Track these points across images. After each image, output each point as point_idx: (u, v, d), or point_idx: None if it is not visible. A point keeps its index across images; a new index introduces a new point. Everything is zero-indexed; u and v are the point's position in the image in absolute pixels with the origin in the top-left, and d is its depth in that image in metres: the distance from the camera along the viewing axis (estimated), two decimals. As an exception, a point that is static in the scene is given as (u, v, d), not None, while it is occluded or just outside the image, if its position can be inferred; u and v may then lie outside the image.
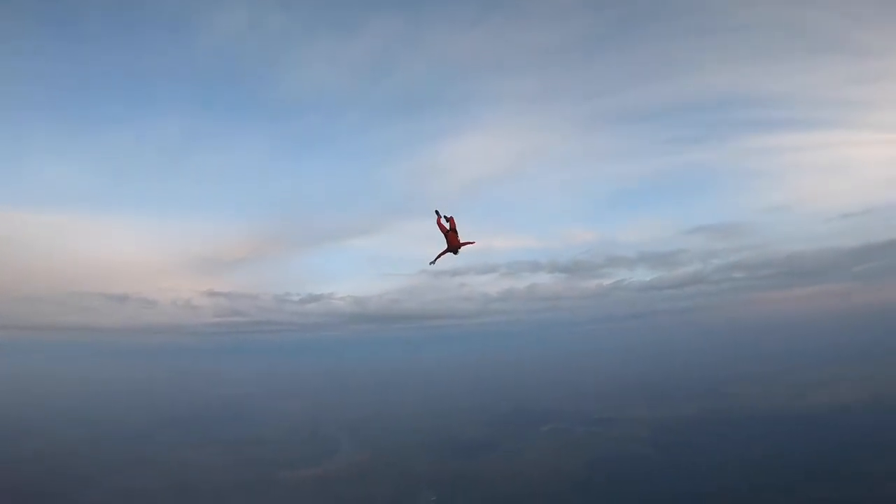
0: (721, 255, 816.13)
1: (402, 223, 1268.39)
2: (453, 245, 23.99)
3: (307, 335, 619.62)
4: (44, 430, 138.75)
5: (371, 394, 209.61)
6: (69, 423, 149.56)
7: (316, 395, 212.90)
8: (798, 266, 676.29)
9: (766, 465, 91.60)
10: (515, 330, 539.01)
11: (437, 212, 24.25)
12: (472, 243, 24.36)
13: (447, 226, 24.09)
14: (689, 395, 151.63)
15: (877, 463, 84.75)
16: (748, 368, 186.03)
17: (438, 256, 24.08)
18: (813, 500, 77.23)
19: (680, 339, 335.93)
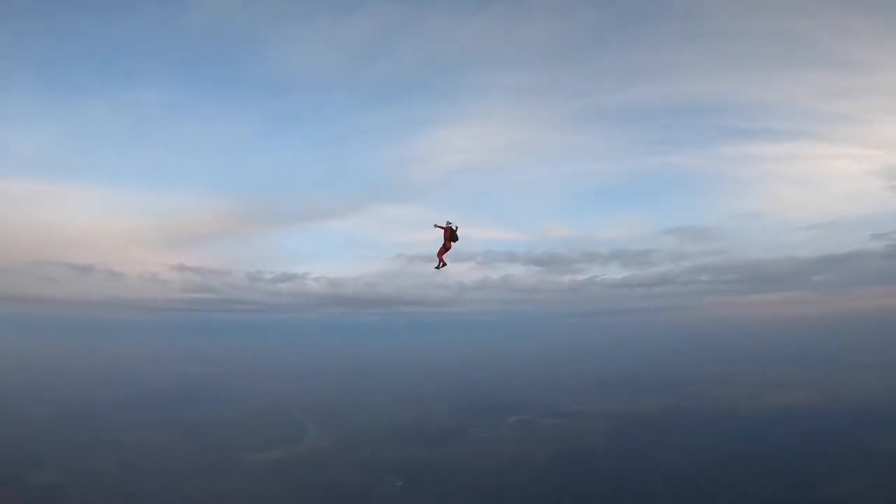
0: (690, 257, 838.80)
1: (382, 207, 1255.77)
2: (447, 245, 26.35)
3: (280, 316, 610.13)
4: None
5: (341, 378, 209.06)
6: (25, 400, 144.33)
7: (286, 377, 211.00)
8: (760, 273, 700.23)
9: (721, 462, 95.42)
10: (488, 320, 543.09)
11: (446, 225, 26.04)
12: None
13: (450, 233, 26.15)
14: (653, 393, 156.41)
15: (820, 463, 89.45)
16: (709, 369, 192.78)
17: (441, 261, 26.27)
18: (762, 499, 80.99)
19: (647, 337, 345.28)
